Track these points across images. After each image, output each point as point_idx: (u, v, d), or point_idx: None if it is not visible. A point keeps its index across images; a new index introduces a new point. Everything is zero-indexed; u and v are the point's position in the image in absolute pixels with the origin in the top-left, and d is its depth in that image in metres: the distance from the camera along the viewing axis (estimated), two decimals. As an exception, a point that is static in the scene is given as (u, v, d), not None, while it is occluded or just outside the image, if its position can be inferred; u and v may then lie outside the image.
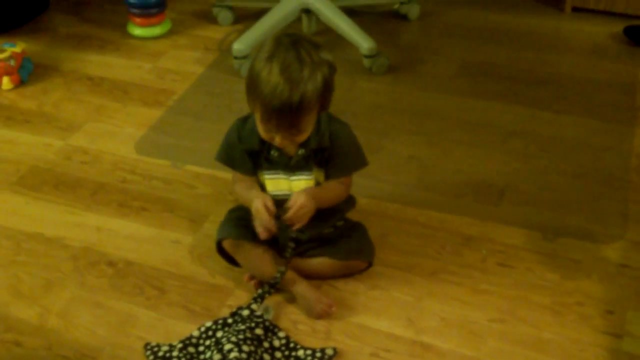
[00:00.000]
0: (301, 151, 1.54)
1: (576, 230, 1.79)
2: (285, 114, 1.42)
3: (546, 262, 1.70)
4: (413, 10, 2.76)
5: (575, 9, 2.78)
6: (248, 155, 1.58)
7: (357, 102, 2.26)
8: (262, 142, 1.55)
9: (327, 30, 2.54)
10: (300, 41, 1.44)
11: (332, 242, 1.64)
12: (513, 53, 2.56)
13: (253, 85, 1.44)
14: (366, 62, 2.43)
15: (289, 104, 1.40)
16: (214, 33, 2.73)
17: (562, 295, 1.62)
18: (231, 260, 1.66)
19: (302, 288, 1.58)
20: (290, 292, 1.60)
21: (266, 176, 1.59)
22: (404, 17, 2.78)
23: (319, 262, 1.63)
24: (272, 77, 1.40)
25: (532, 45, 2.61)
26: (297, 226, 1.53)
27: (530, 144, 2.10)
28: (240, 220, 1.63)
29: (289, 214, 1.51)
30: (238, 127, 1.59)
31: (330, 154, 1.57)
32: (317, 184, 1.59)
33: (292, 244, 1.57)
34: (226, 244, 1.63)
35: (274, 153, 1.55)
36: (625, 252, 1.72)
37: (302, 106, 1.42)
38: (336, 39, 2.47)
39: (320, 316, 1.56)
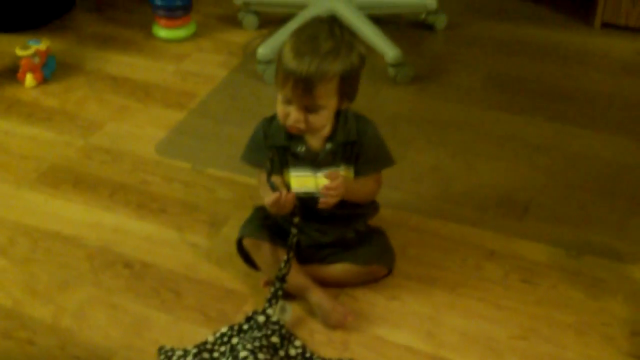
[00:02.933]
0: (329, 145, 1.54)
1: (602, 248, 1.75)
2: (301, 78, 1.43)
3: (570, 280, 1.66)
4: (440, 21, 2.73)
5: (605, 25, 2.73)
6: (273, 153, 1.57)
7: (380, 111, 2.23)
8: (289, 138, 1.54)
9: (352, 38, 2.51)
10: (338, 21, 1.50)
11: (353, 247, 1.62)
12: (540, 67, 2.53)
13: (280, 53, 1.48)
14: (391, 71, 2.40)
15: (306, 67, 1.42)
16: (238, 37, 2.71)
17: (586, 315, 1.58)
18: (249, 261, 1.64)
19: (318, 296, 1.56)
20: (307, 300, 1.58)
21: (292, 174, 1.57)
22: (430, 28, 2.75)
23: (339, 268, 1.61)
24: (297, 41, 1.45)
25: (559, 59, 2.57)
26: (323, 201, 1.50)
27: (556, 159, 2.06)
28: (263, 220, 1.62)
29: (327, 174, 1.49)
30: (264, 125, 1.59)
31: (359, 150, 1.56)
32: None
33: (294, 230, 1.54)
34: (247, 243, 1.61)
35: (300, 149, 1.54)
36: (651, 273, 1.69)
37: (318, 72, 1.43)
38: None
39: (335, 325, 1.54)
